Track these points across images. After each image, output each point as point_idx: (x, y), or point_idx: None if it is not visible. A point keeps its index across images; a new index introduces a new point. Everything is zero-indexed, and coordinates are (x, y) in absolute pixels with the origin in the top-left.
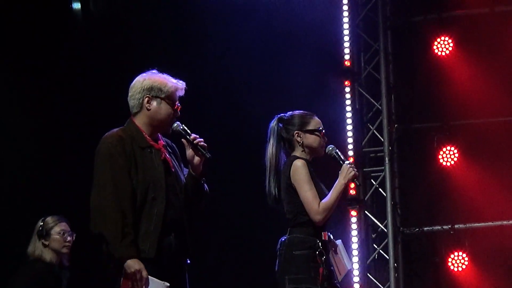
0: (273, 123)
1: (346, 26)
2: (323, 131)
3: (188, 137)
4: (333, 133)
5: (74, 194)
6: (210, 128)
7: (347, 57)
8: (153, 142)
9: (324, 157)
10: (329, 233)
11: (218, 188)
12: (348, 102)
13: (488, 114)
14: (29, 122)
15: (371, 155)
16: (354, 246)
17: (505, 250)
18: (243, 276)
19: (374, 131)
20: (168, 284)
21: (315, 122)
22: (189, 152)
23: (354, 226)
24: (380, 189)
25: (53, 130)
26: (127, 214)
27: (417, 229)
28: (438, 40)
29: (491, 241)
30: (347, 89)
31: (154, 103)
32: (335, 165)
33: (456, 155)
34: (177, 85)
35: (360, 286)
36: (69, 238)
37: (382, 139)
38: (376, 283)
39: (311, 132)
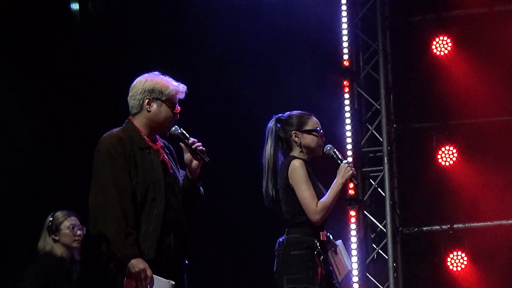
0: (271, 124)
1: (344, 26)
2: (321, 131)
3: (186, 141)
4: (332, 133)
5: (74, 194)
6: (208, 128)
7: (345, 57)
8: (152, 143)
9: (322, 156)
10: (328, 233)
11: (217, 189)
12: (347, 102)
13: (487, 114)
14: (29, 122)
15: (370, 155)
16: (353, 246)
17: (504, 250)
18: (242, 277)
19: (373, 131)
20: (174, 283)
21: (313, 122)
22: (187, 156)
23: (353, 226)
24: (379, 189)
25: (52, 130)
26: (129, 214)
27: (416, 229)
28: (437, 40)
29: (490, 241)
30: (346, 89)
31: (155, 105)
32: (334, 165)
33: (455, 154)
34: (178, 88)
35: (359, 286)
36: (79, 232)
37: (381, 139)
38: (375, 283)
39: (309, 132)
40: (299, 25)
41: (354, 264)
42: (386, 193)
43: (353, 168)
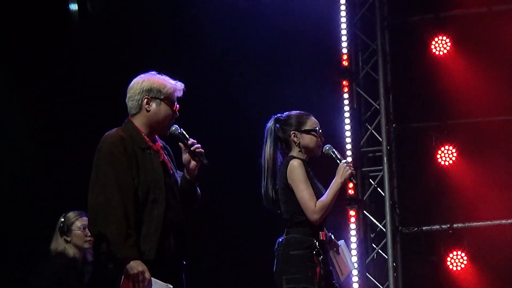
0: (270, 124)
1: (343, 26)
2: (320, 131)
3: (186, 141)
4: (331, 133)
5: (74, 194)
6: (208, 128)
7: (345, 57)
8: (152, 143)
9: (321, 156)
10: (330, 234)
11: (217, 189)
12: (346, 102)
13: (486, 113)
14: (29, 122)
15: (369, 155)
16: (353, 245)
17: (503, 249)
18: (242, 277)
19: (372, 131)
20: (172, 286)
21: (312, 122)
22: (186, 156)
23: (353, 225)
24: (378, 188)
25: (52, 130)
26: (130, 215)
27: (416, 229)
28: (436, 39)
29: (490, 240)
30: (345, 89)
31: (154, 105)
32: (333, 165)
33: (454, 154)
34: (176, 86)
35: (359, 285)
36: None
37: (380, 139)
38: (375, 282)
39: (308, 132)
40: (298, 25)
41: (353, 259)
42: (385, 193)
43: (352, 168)
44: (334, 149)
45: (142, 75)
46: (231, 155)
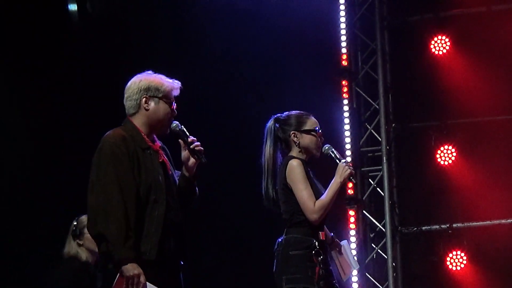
0: (270, 123)
1: (343, 26)
2: (320, 131)
3: (186, 139)
4: (331, 133)
5: (74, 194)
6: (208, 128)
7: (344, 56)
8: (151, 143)
9: (321, 156)
10: (332, 234)
11: (217, 189)
12: (345, 101)
13: (485, 113)
14: (29, 122)
15: (368, 154)
16: (353, 245)
17: (503, 249)
18: (242, 277)
19: (372, 130)
20: None
21: (312, 122)
22: (185, 153)
23: (352, 225)
24: (378, 188)
25: (52, 130)
26: (131, 216)
27: (415, 228)
28: (435, 39)
29: (490, 240)
30: (345, 89)
31: (152, 103)
32: (333, 165)
33: (454, 154)
34: (173, 84)
35: (359, 285)
36: None
37: (380, 139)
38: (374, 282)
39: (308, 132)
40: (297, 25)
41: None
42: (385, 193)
43: (351, 167)
44: (333, 149)
45: (139, 75)
46: (231, 155)
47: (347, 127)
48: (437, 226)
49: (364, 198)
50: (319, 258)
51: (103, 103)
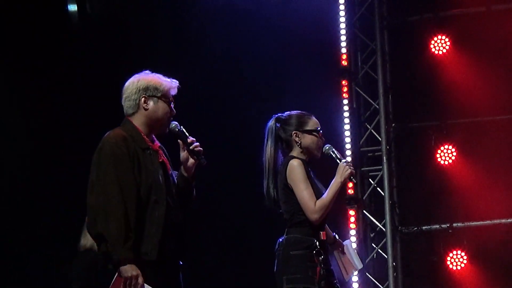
0: (271, 123)
1: (343, 25)
2: (321, 131)
3: (185, 139)
4: (331, 133)
5: (74, 194)
6: (208, 128)
7: (344, 56)
8: (150, 143)
9: (321, 157)
10: (334, 233)
11: (217, 189)
12: (345, 101)
13: (485, 113)
14: (29, 122)
15: (369, 154)
16: (353, 245)
17: (503, 249)
18: (242, 277)
19: (372, 130)
20: None
21: (313, 122)
22: (184, 154)
23: (352, 225)
24: (378, 188)
25: (52, 130)
26: (131, 216)
27: (416, 228)
28: (435, 39)
29: (490, 240)
30: (344, 89)
31: (151, 103)
32: (333, 165)
33: (454, 153)
34: (171, 83)
35: (359, 285)
36: None
37: (380, 139)
38: (375, 282)
39: (309, 132)
40: (297, 25)
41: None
42: (385, 193)
43: (351, 167)
44: (334, 149)
45: (136, 75)
46: (231, 155)
47: (347, 127)
48: (437, 226)
49: (364, 198)
50: (320, 258)
51: (103, 103)
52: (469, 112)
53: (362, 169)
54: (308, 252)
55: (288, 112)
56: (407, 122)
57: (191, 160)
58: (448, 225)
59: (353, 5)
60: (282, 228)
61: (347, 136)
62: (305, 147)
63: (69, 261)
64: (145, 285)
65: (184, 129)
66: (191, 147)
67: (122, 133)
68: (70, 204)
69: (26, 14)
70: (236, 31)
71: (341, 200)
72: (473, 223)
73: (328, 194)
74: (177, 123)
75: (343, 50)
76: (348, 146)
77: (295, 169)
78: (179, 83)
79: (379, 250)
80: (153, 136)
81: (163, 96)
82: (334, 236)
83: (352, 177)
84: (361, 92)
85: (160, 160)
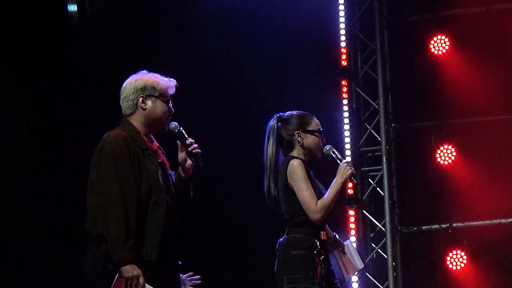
0: (273, 122)
1: (342, 25)
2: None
3: (184, 140)
4: (331, 133)
5: (74, 194)
6: (208, 128)
7: (343, 56)
8: (150, 143)
9: (322, 157)
10: (334, 233)
11: (217, 189)
12: (345, 101)
13: (485, 113)
14: (29, 122)
15: (368, 154)
16: (353, 245)
17: (503, 248)
18: (242, 277)
19: (372, 130)
20: None
21: (315, 123)
22: (182, 155)
23: (352, 225)
24: (378, 188)
25: (52, 130)
26: (131, 217)
27: (415, 228)
28: (435, 39)
29: (489, 239)
30: (344, 89)
31: (149, 102)
32: (333, 165)
33: (454, 153)
34: (168, 83)
35: (359, 285)
36: None
37: (380, 139)
38: (374, 282)
39: (312, 132)
40: (296, 25)
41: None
42: (385, 193)
43: (352, 168)
44: (334, 150)
45: (133, 75)
46: (231, 155)
47: (347, 127)
48: (437, 226)
49: (364, 198)
50: (321, 258)
51: (103, 103)
52: (469, 112)
53: (362, 169)
54: (309, 252)
55: (289, 112)
56: (407, 122)
57: (189, 161)
58: (448, 225)
59: (353, 5)
60: (282, 228)
61: (347, 136)
62: (307, 147)
63: (69, 261)
64: (146, 285)
65: (183, 130)
66: (189, 149)
67: (122, 133)
68: (70, 204)
69: (26, 14)
70: (236, 31)
71: (341, 200)
72: (473, 223)
73: (329, 194)
74: (176, 123)
75: (343, 50)
76: (347, 146)
77: (296, 169)
78: (179, 83)
79: (379, 250)
80: (152, 136)
81: (161, 95)
82: (335, 236)
83: (353, 178)
84: (361, 92)
85: (160, 160)
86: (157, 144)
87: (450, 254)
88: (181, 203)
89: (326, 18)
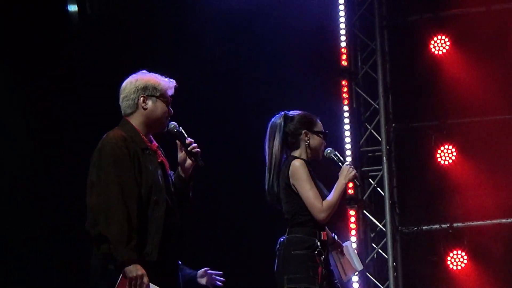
0: (279, 120)
1: (342, 26)
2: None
3: (183, 140)
4: (331, 133)
5: (74, 194)
6: (207, 129)
7: (344, 56)
8: (149, 143)
9: (322, 159)
10: (333, 234)
11: (217, 189)
12: (345, 101)
13: (485, 113)
14: (29, 122)
15: (369, 154)
16: (353, 245)
17: (504, 248)
18: (242, 277)
19: (372, 130)
20: None
21: (320, 125)
22: (182, 155)
23: (352, 225)
24: (378, 188)
25: (52, 130)
26: (132, 217)
27: (416, 228)
28: (435, 39)
29: (490, 239)
30: (344, 89)
31: (150, 102)
32: (331, 167)
33: (454, 153)
34: (169, 83)
35: (359, 285)
36: None
37: (380, 139)
38: (375, 282)
39: (317, 133)
40: (297, 25)
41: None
42: (385, 193)
43: (354, 170)
44: (336, 152)
45: (134, 75)
46: (231, 155)
47: (347, 127)
48: (438, 226)
49: (364, 198)
50: (321, 258)
51: (103, 103)
52: (469, 112)
53: (362, 169)
54: (310, 252)
55: (295, 111)
56: (407, 122)
57: (188, 161)
58: (448, 225)
59: (353, 5)
60: (282, 227)
61: (347, 136)
62: (312, 147)
63: (69, 261)
64: (151, 284)
65: (183, 130)
66: (189, 148)
67: (122, 133)
68: (70, 204)
69: (26, 14)
70: (236, 31)
71: (341, 200)
72: (473, 223)
73: (334, 194)
74: (176, 123)
75: (343, 50)
76: (348, 146)
77: (299, 169)
78: (179, 83)
79: (379, 250)
80: (151, 136)
81: (162, 95)
82: (334, 236)
83: (356, 180)
84: (361, 92)
85: (159, 160)
86: (156, 144)
87: (451, 254)
88: (180, 203)
89: (326, 18)
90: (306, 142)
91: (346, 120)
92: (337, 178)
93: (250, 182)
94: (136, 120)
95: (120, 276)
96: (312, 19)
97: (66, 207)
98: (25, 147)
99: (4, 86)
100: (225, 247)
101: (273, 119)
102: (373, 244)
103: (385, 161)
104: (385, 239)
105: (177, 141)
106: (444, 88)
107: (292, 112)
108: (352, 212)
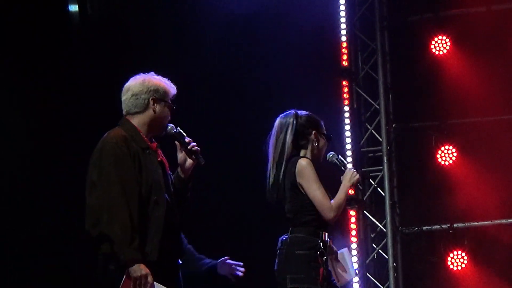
0: (291, 118)
1: (343, 26)
2: None
3: (183, 140)
4: (331, 133)
5: (74, 194)
6: (207, 129)
7: (344, 57)
8: (149, 143)
9: (323, 162)
10: (328, 239)
11: (217, 188)
12: (345, 102)
13: (486, 113)
14: (29, 122)
15: (369, 154)
16: (353, 246)
17: (504, 249)
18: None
19: (372, 130)
20: None
21: (324, 127)
22: (181, 155)
23: (353, 226)
24: (378, 188)
25: (52, 130)
26: (134, 216)
27: (416, 229)
28: (435, 39)
29: (490, 240)
30: (345, 89)
31: (159, 106)
32: (331, 169)
33: (455, 154)
34: (174, 90)
35: (360, 285)
36: None
37: (380, 139)
38: (375, 282)
39: (324, 135)
40: (297, 26)
41: (354, 264)
42: (385, 193)
43: (357, 174)
44: (338, 156)
45: (142, 75)
46: (231, 155)
47: (347, 127)
48: (438, 226)
49: (364, 198)
50: (323, 259)
51: (103, 103)
52: (469, 112)
53: (363, 169)
54: (313, 253)
55: (304, 111)
56: (407, 122)
57: (189, 161)
58: (448, 225)
59: (353, 5)
60: (282, 227)
61: (348, 137)
62: (317, 148)
63: (69, 261)
64: (155, 283)
65: (181, 130)
66: (188, 147)
67: (122, 133)
68: (70, 204)
69: (26, 14)
70: (236, 31)
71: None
72: (473, 224)
73: (340, 195)
74: (172, 125)
75: (344, 50)
76: (348, 146)
77: (306, 168)
78: (179, 83)
79: (379, 250)
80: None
81: (169, 101)
82: (327, 241)
83: (359, 183)
84: (361, 92)
85: (159, 159)
86: (156, 144)
87: (451, 255)
88: (178, 203)
89: (326, 18)
90: (315, 142)
91: (347, 121)
92: (338, 182)
93: (250, 182)
94: (138, 120)
95: (124, 277)
96: (312, 19)
97: (66, 207)
98: (25, 147)
99: (4, 86)
100: (225, 247)
101: (282, 116)
102: (373, 245)
103: (385, 161)
104: (385, 240)
105: (176, 142)
106: (444, 88)
107: (303, 112)
108: (352, 213)
